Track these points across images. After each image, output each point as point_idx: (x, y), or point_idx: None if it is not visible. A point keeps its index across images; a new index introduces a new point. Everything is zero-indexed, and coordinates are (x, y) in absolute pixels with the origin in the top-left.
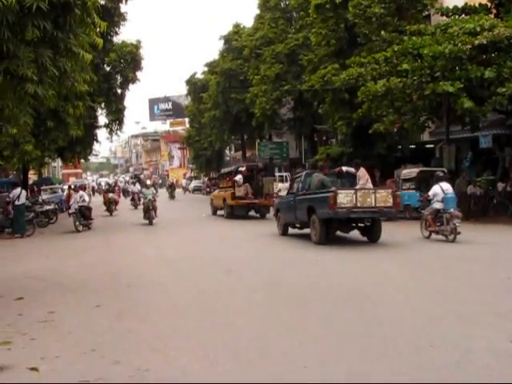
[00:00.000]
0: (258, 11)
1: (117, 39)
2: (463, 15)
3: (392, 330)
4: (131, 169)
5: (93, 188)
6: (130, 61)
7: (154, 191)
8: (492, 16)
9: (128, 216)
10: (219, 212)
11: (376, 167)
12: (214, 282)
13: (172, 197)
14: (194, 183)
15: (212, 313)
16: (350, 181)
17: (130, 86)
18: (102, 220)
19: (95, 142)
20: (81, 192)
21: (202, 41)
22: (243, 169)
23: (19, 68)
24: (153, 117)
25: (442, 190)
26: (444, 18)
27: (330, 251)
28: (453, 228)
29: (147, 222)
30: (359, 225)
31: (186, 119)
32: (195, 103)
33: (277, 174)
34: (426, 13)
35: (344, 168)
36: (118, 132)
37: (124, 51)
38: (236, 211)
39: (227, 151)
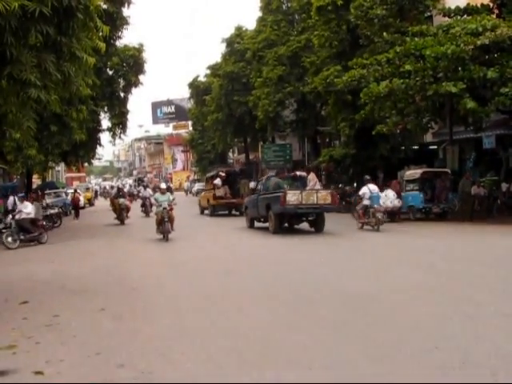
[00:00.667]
0: (260, 14)
1: (119, 43)
2: (465, 16)
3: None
4: (135, 172)
5: (96, 192)
6: (132, 64)
7: (171, 197)
8: (494, 16)
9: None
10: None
11: (379, 168)
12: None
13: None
14: (197, 186)
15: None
16: (303, 183)
17: (133, 90)
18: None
19: (98, 146)
20: (26, 202)
21: (205, 44)
22: (222, 173)
23: (22, 73)
24: (156, 120)
25: (369, 190)
26: (446, 18)
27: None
28: (377, 220)
29: (161, 236)
30: (309, 218)
31: (189, 122)
32: (198, 106)
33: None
34: (428, 14)
35: (298, 173)
36: (122, 135)
37: (127, 55)
38: (218, 210)
39: (230, 154)
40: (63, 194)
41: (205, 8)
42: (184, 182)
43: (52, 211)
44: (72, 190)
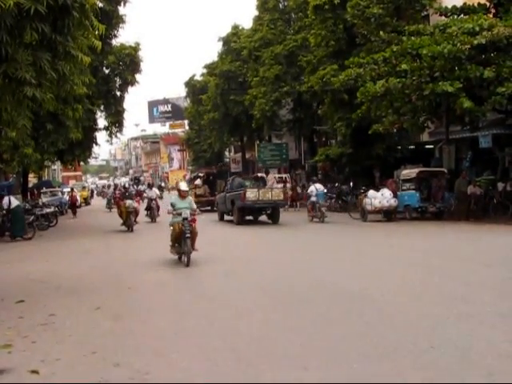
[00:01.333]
0: (256, 13)
1: (115, 42)
2: (462, 15)
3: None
4: (131, 171)
5: (91, 191)
6: (128, 63)
7: (193, 204)
8: (491, 16)
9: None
10: None
11: (375, 168)
12: None
13: (160, 197)
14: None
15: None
16: (263, 183)
17: (129, 89)
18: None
19: (95, 145)
20: None
21: (201, 42)
22: (202, 174)
23: (18, 71)
24: (152, 119)
25: (316, 189)
26: (443, 17)
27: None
28: (321, 213)
29: (176, 256)
30: (267, 212)
31: (186, 121)
32: (194, 105)
33: (276, 175)
34: (425, 13)
35: (259, 174)
36: (118, 134)
37: (123, 54)
38: (199, 207)
39: (227, 153)
40: (59, 193)
41: (201, 7)
42: (180, 182)
43: (48, 210)
44: (69, 189)
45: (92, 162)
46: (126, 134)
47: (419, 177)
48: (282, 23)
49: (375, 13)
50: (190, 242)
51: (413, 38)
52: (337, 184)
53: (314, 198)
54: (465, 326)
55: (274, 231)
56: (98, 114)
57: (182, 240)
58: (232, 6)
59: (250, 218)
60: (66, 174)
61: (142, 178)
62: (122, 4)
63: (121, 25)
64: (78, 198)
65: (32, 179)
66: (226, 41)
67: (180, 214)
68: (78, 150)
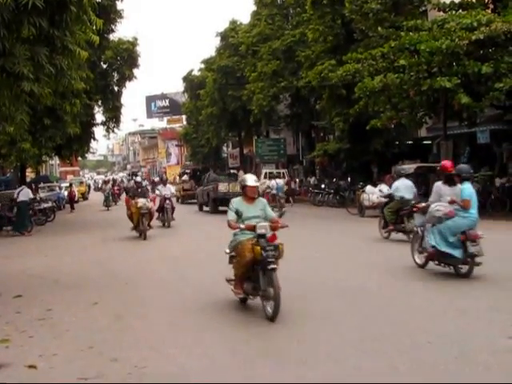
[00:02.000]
0: (254, 8)
1: (113, 36)
2: (460, 10)
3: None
4: (129, 166)
5: (89, 186)
6: (126, 58)
7: (270, 211)
8: (489, 11)
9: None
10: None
11: (373, 163)
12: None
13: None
14: None
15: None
16: (235, 178)
17: (127, 84)
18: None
19: (92, 140)
20: None
21: (199, 38)
22: (188, 171)
23: (15, 66)
24: (150, 114)
25: (276, 183)
26: (441, 13)
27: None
28: (280, 204)
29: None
30: None
31: (183, 116)
32: (192, 100)
33: (274, 170)
34: (423, 8)
35: (232, 171)
36: (115, 129)
37: (120, 48)
38: (187, 199)
39: (224, 148)
40: (57, 188)
41: (199, 2)
42: (178, 176)
43: (46, 205)
44: (67, 184)
45: (90, 157)
46: (124, 128)
47: (417, 172)
48: (280, 18)
49: (373, 8)
50: (276, 279)
51: (411, 33)
52: (334, 179)
53: (274, 191)
54: (462, 321)
55: None
56: (96, 108)
57: (260, 274)
58: (230, 1)
59: (225, 208)
60: (63, 168)
61: (139, 173)
62: None
63: (118, 19)
64: (76, 193)
65: (30, 174)
66: (223, 36)
67: (252, 229)
68: (75, 145)
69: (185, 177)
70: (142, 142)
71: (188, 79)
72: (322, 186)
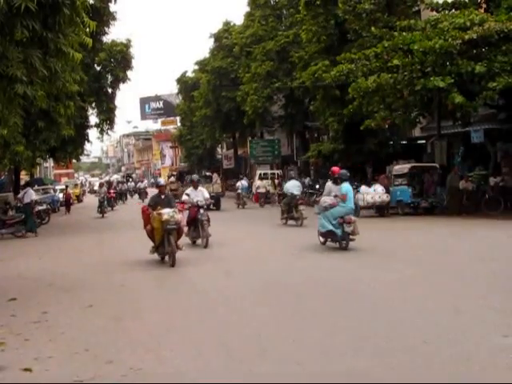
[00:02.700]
0: (247, 9)
1: (107, 38)
2: (453, 10)
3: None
4: (123, 168)
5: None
6: (120, 60)
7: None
8: (482, 11)
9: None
10: None
11: (368, 163)
12: None
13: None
14: None
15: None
16: (210, 179)
17: (121, 86)
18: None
19: (86, 142)
20: None
21: (192, 39)
22: (175, 173)
23: (8, 69)
24: (144, 116)
25: (241, 184)
26: (434, 13)
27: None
28: (243, 202)
29: None
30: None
31: (178, 118)
32: (186, 102)
33: (268, 171)
34: (416, 8)
35: (207, 173)
36: (109, 131)
37: (114, 50)
38: (175, 198)
39: (219, 149)
40: (51, 191)
41: (192, 3)
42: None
43: (40, 208)
44: (63, 187)
45: (84, 159)
46: (118, 130)
47: (411, 172)
48: (273, 19)
49: (366, 8)
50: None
51: (404, 33)
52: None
53: (239, 191)
54: (457, 320)
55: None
56: (90, 111)
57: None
58: (223, 2)
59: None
60: (58, 171)
61: (134, 176)
62: (113, 1)
63: (112, 21)
64: (72, 195)
65: (24, 177)
66: (217, 37)
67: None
68: (69, 148)
69: (172, 178)
70: (137, 143)
71: (182, 81)
72: (317, 186)
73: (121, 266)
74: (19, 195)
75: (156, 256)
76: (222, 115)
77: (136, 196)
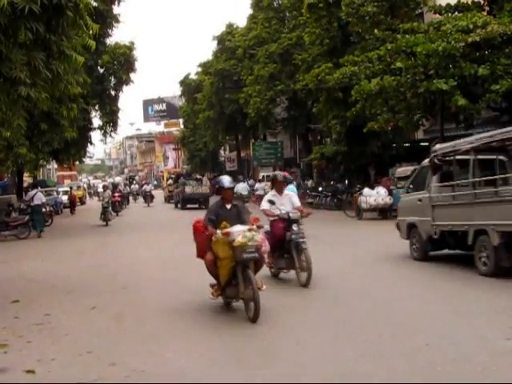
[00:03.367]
0: (250, 11)
1: (110, 41)
2: (456, 13)
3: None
4: (126, 170)
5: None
6: (123, 62)
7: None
8: (485, 13)
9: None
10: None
11: (370, 166)
12: None
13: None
14: None
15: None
16: (200, 181)
17: (124, 88)
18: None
19: (89, 144)
20: None
21: (196, 41)
22: (173, 176)
23: (12, 71)
24: (147, 118)
25: (239, 186)
26: (437, 15)
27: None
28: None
29: None
30: (200, 200)
31: (181, 120)
32: (189, 104)
33: (271, 173)
34: (419, 11)
35: (198, 176)
36: (113, 134)
37: (117, 53)
38: (171, 199)
39: (222, 151)
40: (54, 193)
41: (196, 6)
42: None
43: (43, 210)
44: (67, 188)
45: (87, 161)
46: (121, 132)
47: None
48: (276, 22)
49: (369, 11)
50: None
51: (407, 35)
52: (332, 182)
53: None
54: (459, 322)
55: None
56: (93, 113)
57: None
58: (226, 4)
59: (195, 206)
60: (61, 173)
61: (137, 178)
62: (117, 3)
63: (115, 24)
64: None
65: (27, 179)
66: (220, 39)
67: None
68: (73, 150)
69: (169, 181)
70: (140, 145)
71: (185, 83)
72: (320, 188)
73: (124, 268)
74: (26, 197)
75: (220, 299)
76: (225, 117)
77: (140, 199)
